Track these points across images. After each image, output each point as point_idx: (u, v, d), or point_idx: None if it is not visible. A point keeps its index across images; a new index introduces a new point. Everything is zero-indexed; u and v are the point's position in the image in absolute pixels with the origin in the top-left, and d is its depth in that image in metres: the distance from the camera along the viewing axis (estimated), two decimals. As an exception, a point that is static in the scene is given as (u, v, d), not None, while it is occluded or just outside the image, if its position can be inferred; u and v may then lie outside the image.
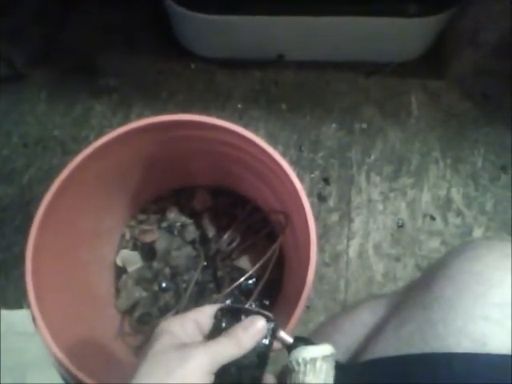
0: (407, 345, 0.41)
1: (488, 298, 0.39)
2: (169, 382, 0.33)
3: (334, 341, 0.55)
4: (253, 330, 0.38)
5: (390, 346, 0.43)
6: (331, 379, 0.40)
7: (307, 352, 0.39)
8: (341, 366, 0.42)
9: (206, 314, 0.40)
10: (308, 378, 0.39)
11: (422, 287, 0.45)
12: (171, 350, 0.36)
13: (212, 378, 0.35)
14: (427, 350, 0.39)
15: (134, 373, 0.35)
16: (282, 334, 0.40)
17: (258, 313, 0.40)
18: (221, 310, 0.40)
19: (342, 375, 0.43)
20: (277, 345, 0.40)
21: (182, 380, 0.34)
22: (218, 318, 0.39)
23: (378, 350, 0.45)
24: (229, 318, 0.39)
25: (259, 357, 0.38)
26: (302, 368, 0.39)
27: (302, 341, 0.41)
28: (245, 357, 0.37)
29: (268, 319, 0.39)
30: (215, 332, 0.39)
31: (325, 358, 0.40)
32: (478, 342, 0.37)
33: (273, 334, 0.39)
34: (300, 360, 0.39)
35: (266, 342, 0.39)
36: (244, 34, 1.01)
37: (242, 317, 0.39)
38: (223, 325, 0.39)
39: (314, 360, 0.39)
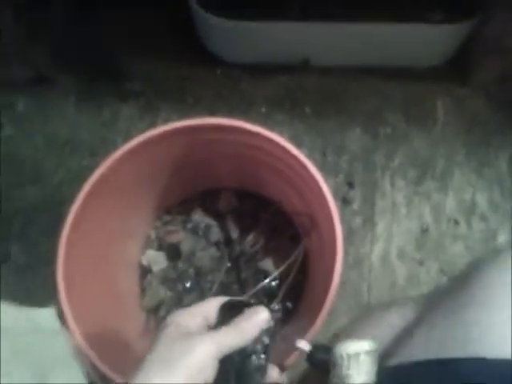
0: (438, 348, 0.41)
1: None
2: (177, 368, 0.35)
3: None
4: (255, 320, 0.39)
5: (419, 350, 0.43)
6: (373, 374, 0.40)
7: (351, 347, 0.40)
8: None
9: (211, 307, 0.41)
10: (350, 372, 0.40)
11: (453, 292, 0.45)
12: (179, 338, 0.37)
13: (216, 365, 0.37)
14: (459, 353, 0.39)
15: (143, 360, 0.36)
16: (300, 343, 0.41)
17: (260, 305, 0.41)
18: (226, 303, 0.41)
19: None
20: (294, 354, 0.41)
21: (189, 366, 0.35)
22: (223, 311, 0.41)
23: (407, 353, 0.44)
24: (233, 310, 0.41)
25: (263, 346, 0.39)
26: (345, 362, 0.40)
27: (320, 349, 0.42)
28: (249, 346, 0.39)
29: (271, 311, 0.40)
30: (220, 324, 0.40)
31: (368, 352, 0.40)
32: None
33: (275, 324, 0.40)
34: (344, 354, 0.40)
35: (270, 331, 0.40)
36: (269, 40, 1.02)
37: (246, 309, 0.41)
38: (228, 317, 0.40)
39: (357, 355, 0.40)
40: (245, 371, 0.38)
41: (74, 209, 0.62)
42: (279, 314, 0.41)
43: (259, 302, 0.41)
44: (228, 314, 0.41)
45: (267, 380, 0.40)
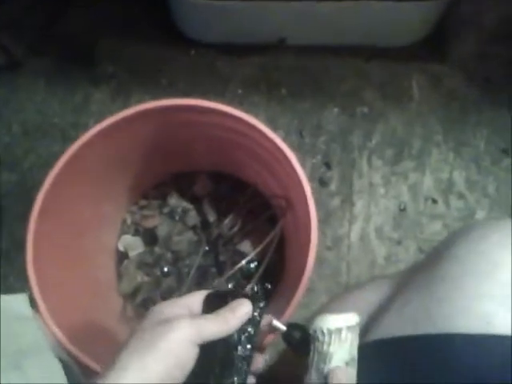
0: (411, 324, 0.41)
1: (493, 276, 0.39)
2: (152, 352, 0.34)
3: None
4: (239, 311, 0.39)
5: (394, 326, 0.43)
6: (355, 349, 0.40)
7: (332, 322, 0.40)
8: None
9: (196, 299, 0.41)
10: (332, 348, 0.39)
11: (427, 267, 0.45)
12: (157, 325, 0.37)
13: (196, 350, 0.36)
14: (432, 329, 0.39)
15: (121, 348, 0.36)
16: (276, 323, 0.41)
17: (246, 296, 0.41)
18: (210, 294, 0.41)
19: None
20: (271, 333, 0.41)
21: (166, 349, 0.35)
22: (207, 303, 0.40)
23: (381, 330, 0.44)
24: (218, 301, 0.40)
25: (248, 336, 0.39)
26: (326, 338, 0.39)
27: (295, 327, 0.42)
28: (234, 336, 0.38)
29: (256, 300, 0.40)
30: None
31: (350, 327, 0.40)
32: (483, 321, 0.37)
33: (261, 314, 0.40)
34: (325, 330, 0.39)
35: (255, 321, 0.39)
36: (244, 19, 1.00)
37: (230, 299, 0.40)
38: (212, 309, 0.40)
39: (339, 330, 0.39)
40: (230, 362, 0.38)
41: (42, 194, 0.61)
42: (265, 306, 0.40)
43: (244, 294, 0.41)
44: (213, 306, 0.40)
45: (252, 368, 0.40)
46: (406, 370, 0.41)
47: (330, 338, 0.39)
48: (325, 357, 0.39)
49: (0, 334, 0.66)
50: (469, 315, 0.38)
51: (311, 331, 0.41)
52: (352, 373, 0.39)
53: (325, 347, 0.39)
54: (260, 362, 0.42)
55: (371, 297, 0.54)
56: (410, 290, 0.46)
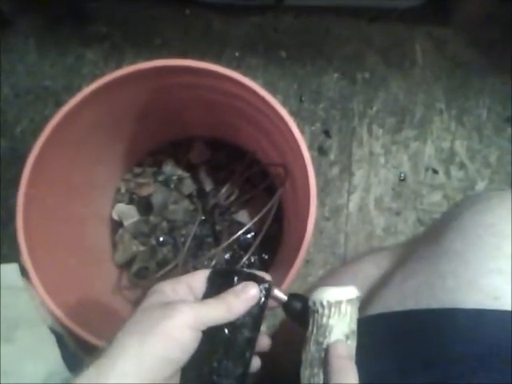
0: (413, 298, 0.40)
1: (501, 250, 0.38)
2: (152, 335, 0.33)
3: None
4: (244, 297, 0.37)
5: (395, 300, 0.42)
6: (355, 323, 0.39)
7: (332, 294, 0.38)
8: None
9: (199, 278, 0.39)
10: (332, 321, 0.38)
11: (430, 239, 0.44)
12: (158, 307, 0.35)
13: (198, 336, 0.35)
14: (434, 303, 0.38)
15: (121, 328, 0.35)
16: (276, 293, 0.40)
17: (250, 274, 0.39)
18: (214, 272, 0.39)
19: None
20: (271, 303, 0.39)
21: (165, 333, 0.34)
22: (211, 281, 0.39)
23: (382, 303, 0.44)
24: (222, 280, 0.38)
25: (253, 318, 0.37)
26: (326, 311, 0.38)
27: (296, 298, 0.40)
28: (238, 318, 0.37)
29: (262, 281, 0.38)
30: (209, 295, 0.38)
31: (350, 301, 0.39)
32: (489, 296, 0.36)
33: (267, 295, 0.38)
34: (324, 302, 0.38)
35: (261, 303, 0.38)
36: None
37: (235, 278, 0.38)
38: (216, 287, 0.38)
39: (339, 303, 0.38)
40: (234, 345, 0.37)
41: (31, 161, 0.59)
42: (271, 283, 0.38)
43: (250, 274, 0.39)
44: (216, 285, 0.38)
45: (257, 349, 0.39)
46: (407, 345, 0.40)
47: (330, 310, 0.38)
48: (324, 330, 0.38)
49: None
50: (475, 290, 0.37)
51: (310, 303, 0.39)
52: (352, 346, 0.39)
53: (324, 320, 0.38)
54: (265, 343, 0.40)
55: (370, 270, 0.53)
56: (411, 263, 0.45)
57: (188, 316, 0.34)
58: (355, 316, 0.39)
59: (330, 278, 0.64)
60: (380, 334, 0.43)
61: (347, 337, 0.38)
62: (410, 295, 0.41)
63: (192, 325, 0.34)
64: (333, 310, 0.38)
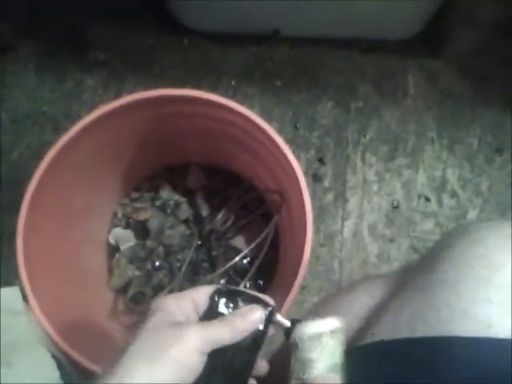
0: (408, 328, 0.41)
1: (491, 280, 0.38)
2: (162, 361, 0.33)
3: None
4: (250, 319, 0.37)
5: (389, 329, 0.43)
6: (339, 356, 0.39)
7: (311, 327, 0.38)
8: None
9: (202, 294, 0.39)
10: (313, 355, 0.38)
11: (423, 269, 0.45)
12: (165, 328, 0.35)
13: (204, 359, 0.35)
14: (430, 333, 0.39)
15: (127, 349, 0.35)
16: (279, 318, 0.40)
17: (255, 297, 0.39)
18: (217, 291, 0.39)
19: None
20: (272, 330, 0.40)
21: (175, 358, 0.34)
22: (213, 299, 0.39)
23: (377, 333, 0.44)
24: (225, 299, 0.39)
25: (253, 341, 0.38)
26: (306, 345, 0.38)
27: (300, 323, 0.41)
28: (241, 341, 0.37)
29: (264, 304, 0.39)
30: (210, 312, 0.38)
31: (332, 332, 0.38)
32: (482, 325, 0.37)
33: (269, 319, 0.38)
34: (304, 336, 0.38)
35: (261, 327, 0.38)
36: (238, 8, 0.98)
37: (239, 299, 0.39)
38: (219, 306, 0.38)
39: (319, 336, 0.38)
40: (233, 366, 0.37)
41: (33, 185, 0.59)
42: (274, 307, 0.39)
43: (255, 297, 0.39)
44: (219, 302, 0.39)
45: (254, 372, 0.39)
46: (402, 373, 0.40)
47: (311, 344, 0.38)
48: (305, 365, 0.38)
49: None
50: (468, 319, 0.38)
51: (290, 340, 0.39)
52: (335, 378, 0.38)
53: (305, 354, 0.38)
54: (263, 367, 0.41)
55: (364, 299, 0.53)
56: (405, 293, 0.45)
57: (197, 340, 0.35)
58: (340, 348, 0.39)
59: (324, 305, 0.64)
60: (375, 362, 0.43)
61: (330, 370, 0.38)
62: (405, 325, 0.42)
63: (200, 348, 0.35)
64: (314, 343, 0.38)
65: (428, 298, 0.41)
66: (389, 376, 0.41)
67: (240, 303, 0.39)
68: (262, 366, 0.40)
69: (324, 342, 0.38)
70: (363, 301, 0.53)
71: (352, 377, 0.40)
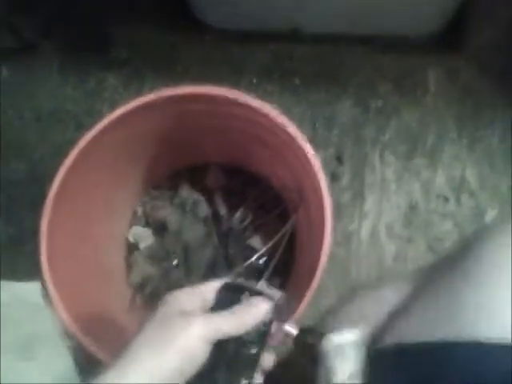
0: (435, 328, 0.41)
1: None
2: (168, 348, 0.35)
3: (355, 321, 0.55)
4: (255, 312, 0.38)
5: (414, 331, 0.43)
6: (359, 365, 0.41)
7: (335, 339, 0.41)
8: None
9: (211, 288, 0.40)
10: (336, 363, 0.40)
11: (452, 268, 0.44)
12: (174, 317, 0.37)
13: (208, 348, 0.36)
14: (455, 336, 0.39)
15: (136, 337, 0.36)
16: (287, 327, 0.41)
17: (261, 292, 0.40)
18: (226, 285, 0.40)
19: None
20: (281, 340, 0.41)
21: (182, 346, 0.35)
22: (221, 293, 0.40)
23: (400, 333, 0.44)
24: (233, 294, 0.40)
25: (258, 336, 0.38)
26: (331, 354, 0.41)
27: (308, 332, 0.42)
28: (245, 335, 0.38)
29: (271, 299, 0.39)
30: (218, 306, 0.39)
31: (353, 343, 0.41)
32: (508, 329, 0.37)
33: (275, 313, 0.39)
34: (329, 347, 0.41)
35: (268, 320, 0.39)
36: (259, 6, 0.98)
37: (246, 293, 0.40)
38: (226, 299, 0.39)
39: (341, 346, 0.41)
40: (238, 360, 0.38)
41: (57, 182, 0.61)
42: (280, 305, 0.40)
43: (261, 291, 0.40)
44: (226, 296, 0.40)
45: (260, 368, 0.40)
46: (426, 377, 0.41)
47: (335, 354, 0.41)
48: (329, 372, 0.40)
49: (12, 320, 0.67)
50: (494, 322, 0.38)
51: (319, 348, 0.42)
52: None
53: (329, 363, 0.41)
54: (269, 361, 0.41)
55: (391, 296, 0.53)
56: (430, 294, 0.45)
57: (201, 328, 0.36)
58: (359, 356, 0.41)
59: (350, 303, 0.64)
60: (398, 364, 0.43)
61: (350, 377, 0.40)
62: (429, 327, 0.42)
63: (206, 337, 0.36)
64: (337, 352, 0.41)
65: (455, 298, 0.41)
66: (411, 378, 0.41)
67: (247, 297, 0.40)
68: (267, 359, 0.41)
69: (346, 352, 0.41)
70: (389, 298, 0.52)
71: (374, 378, 0.40)
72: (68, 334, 0.62)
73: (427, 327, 0.41)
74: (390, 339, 0.44)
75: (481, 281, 0.40)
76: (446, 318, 0.40)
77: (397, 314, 0.48)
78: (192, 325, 0.36)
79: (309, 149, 0.61)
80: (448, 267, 0.46)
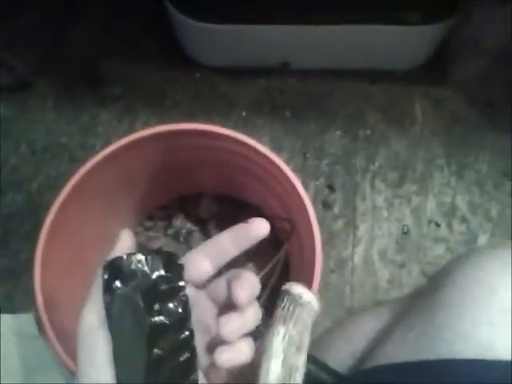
0: (413, 351, 0.42)
1: (492, 304, 0.40)
2: None
3: (339, 347, 0.56)
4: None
5: (395, 353, 0.44)
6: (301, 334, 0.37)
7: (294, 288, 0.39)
8: (344, 378, 0.42)
9: None
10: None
11: (428, 294, 0.46)
12: None
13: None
14: (433, 355, 0.40)
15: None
16: None
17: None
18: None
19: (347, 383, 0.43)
20: None
21: None
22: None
23: (383, 356, 0.45)
24: None
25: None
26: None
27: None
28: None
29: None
30: None
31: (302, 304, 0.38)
32: (484, 347, 0.38)
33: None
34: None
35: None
36: (248, 43, 1.02)
37: None
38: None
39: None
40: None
41: (51, 216, 0.61)
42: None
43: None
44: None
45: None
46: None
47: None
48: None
49: (8, 352, 0.67)
50: (470, 341, 0.39)
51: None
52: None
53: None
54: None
55: (372, 324, 0.54)
56: (410, 317, 0.46)
57: None
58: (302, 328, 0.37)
59: (334, 331, 0.65)
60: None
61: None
62: (410, 348, 0.43)
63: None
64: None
65: (432, 321, 0.42)
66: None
67: None
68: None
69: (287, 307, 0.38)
70: (370, 326, 0.54)
71: None
72: (63, 365, 0.61)
73: (409, 349, 0.42)
74: (374, 362, 0.45)
75: (453, 304, 0.42)
76: (425, 341, 0.42)
77: (378, 339, 0.49)
78: None
79: (297, 181, 0.63)
80: (426, 293, 0.47)
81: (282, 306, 0.38)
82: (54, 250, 0.63)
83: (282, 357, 0.35)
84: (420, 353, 0.41)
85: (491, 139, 1.03)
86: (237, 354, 0.33)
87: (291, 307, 0.38)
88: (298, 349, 0.36)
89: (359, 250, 0.94)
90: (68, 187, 0.63)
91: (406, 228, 0.95)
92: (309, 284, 0.59)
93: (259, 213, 0.85)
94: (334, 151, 1.02)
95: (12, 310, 0.86)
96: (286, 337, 0.36)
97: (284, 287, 0.39)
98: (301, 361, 0.36)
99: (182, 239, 0.87)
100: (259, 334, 0.37)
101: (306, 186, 0.96)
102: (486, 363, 0.37)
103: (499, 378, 0.37)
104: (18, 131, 1.04)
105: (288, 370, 0.35)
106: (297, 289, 0.38)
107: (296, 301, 0.38)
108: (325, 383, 0.43)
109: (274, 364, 0.35)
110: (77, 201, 0.65)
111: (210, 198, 0.89)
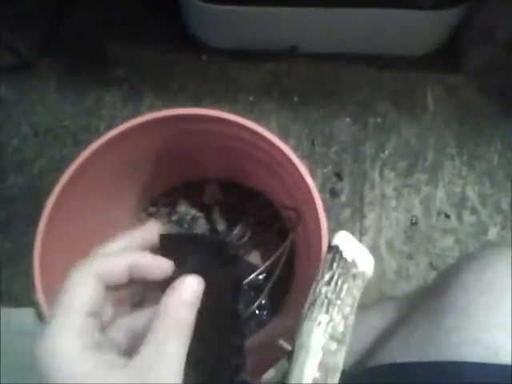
0: (418, 351, 0.41)
1: (500, 306, 0.39)
2: None
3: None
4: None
5: (399, 352, 0.43)
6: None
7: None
8: (348, 374, 0.41)
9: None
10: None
11: (435, 295, 0.45)
12: None
13: None
14: (439, 357, 0.39)
15: None
16: (282, 342, 0.39)
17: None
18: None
19: (350, 380, 0.42)
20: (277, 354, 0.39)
21: None
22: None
23: (387, 355, 0.44)
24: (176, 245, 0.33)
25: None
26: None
27: None
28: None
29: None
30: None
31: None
32: (490, 351, 0.37)
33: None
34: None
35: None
36: (256, 25, 0.99)
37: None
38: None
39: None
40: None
41: (52, 200, 0.60)
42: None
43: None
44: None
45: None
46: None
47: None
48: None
49: (4, 349, 0.66)
50: (477, 345, 0.38)
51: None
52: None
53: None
54: None
55: (376, 321, 0.54)
56: (416, 316, 0.46)
57: None
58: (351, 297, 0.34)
59: None
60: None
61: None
62: (416, 348, 0.42)
63: None
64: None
65: (439, 322, 0.42)
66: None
67: None
68: None
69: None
70: (375, 323, 0.53)
71: None
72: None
73: (414, 350, 0.42)
74: (378, 360, 0.44)
75: (463, 306, 0.41)
76: (430, 340, 0.41)
77: (382, 337, 0.48)
78: None
79: (304, 170, 0.61)
80: (433, 292, 0.46)
81: (329, 276, 0.33)
82: (54, 238, 0.61)
83: (320, 354, 0.31)
84: (425, 354, 0.40)
85: (503, 129, 1.01)
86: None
87: (340, 281, 0.33)
88: (340, 342, 0.32)
89: (366, 240, 0.92)
90: (70, 171, 0.61)
91: (414, 218, 0.94)
92: (314, 275, 0.58)
93: (266, 201, 0.83)
94: (343, 138, 0.99)
95: (12, 295, 0.85)
96: (329, 328, 0.32)
97: (335, 242, 0.33)
98: (341, 357, 0.32)
99: (185, 225, 0.85)
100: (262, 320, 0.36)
101: (313, 174, 0.95)
102: (493, 367, 0.36)
103: (504, 383, 0.36)
104: (20, 112, 1.03)
105: (325, 371, 0.31)
106: (351, 252, 0.33)
107: (348, 270, 0.33)
108: None
109: (310, 363, 0.31)
110: (79, 184, 0.63)
111: (215, 184, 0.87)
